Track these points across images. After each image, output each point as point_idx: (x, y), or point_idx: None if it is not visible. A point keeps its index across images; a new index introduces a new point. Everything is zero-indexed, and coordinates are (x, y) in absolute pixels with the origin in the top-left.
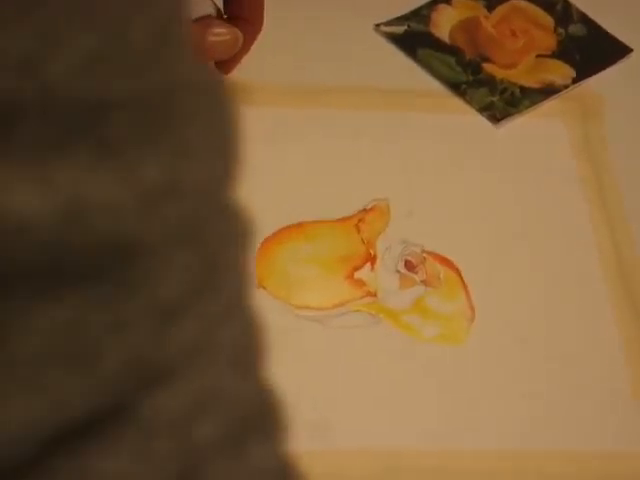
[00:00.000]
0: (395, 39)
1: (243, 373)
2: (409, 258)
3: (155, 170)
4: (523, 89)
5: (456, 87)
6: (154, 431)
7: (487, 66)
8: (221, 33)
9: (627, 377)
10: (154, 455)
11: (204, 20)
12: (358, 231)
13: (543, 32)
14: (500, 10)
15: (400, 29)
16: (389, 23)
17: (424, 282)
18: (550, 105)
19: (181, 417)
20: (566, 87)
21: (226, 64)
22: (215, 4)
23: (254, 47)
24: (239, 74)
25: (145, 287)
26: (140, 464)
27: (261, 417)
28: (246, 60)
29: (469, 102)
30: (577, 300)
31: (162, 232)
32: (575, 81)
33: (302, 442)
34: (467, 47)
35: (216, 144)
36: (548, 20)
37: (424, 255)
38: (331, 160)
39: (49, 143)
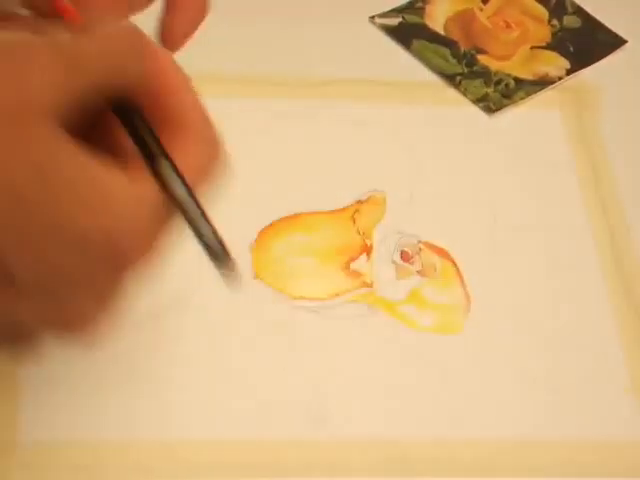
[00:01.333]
0: (390, 31)
1: None
2: (405, 249)
3: None
4: (518, 80)
5: (451, 79)
6: None
7: (482, 58)
8: None
9: (623, 364)
10: None
11: None
12: (354, 222)
13: (537, 24)
14: (494, 2)
15: (395, 21)
16: (384, 15)
17: (420, 272)
18: (545, 96)
19: None
20: (560, 78)
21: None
22: None
23: (251, 39)
24: (236, 66)
25: None
26: None
27: None
28: (242, 52)
29: (464, 93)
30: (573, 288)
31: None
32: (569, 72)
33: (300, 432)
34: (462, 39)
35: None
36: (542, 12)
37: (420, 246)
38: (327, 151)
39: None
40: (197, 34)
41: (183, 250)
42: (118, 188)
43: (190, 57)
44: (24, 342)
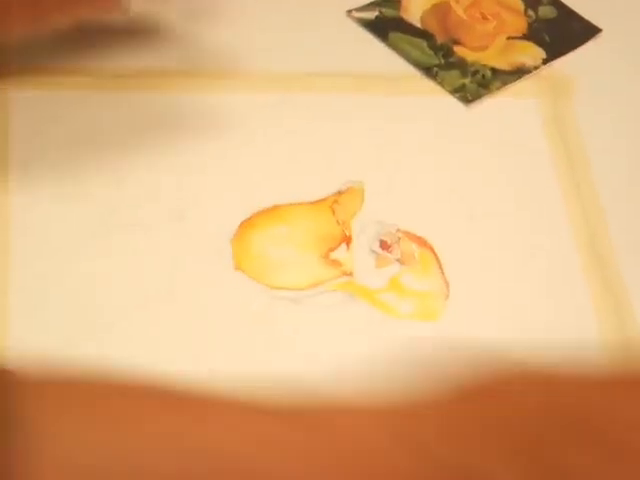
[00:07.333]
0: (367, 24)
1: None
2: (384, 238)
3: None
4: (494, 71)
5: (428, 70)
6: None
7: (458, 49)
8: None
9: (602, 349)
10: None
11: None
12: (333, 212)
13: (513, 14)
14: None
15: (372, 14)
16: (361, 9)
17: (399, 261)
18: (521, 86)
19: None
20: (536, 68)
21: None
22: None
23: (228, 34)
24: (214, 61)
25: None
26: None
27: None
28: (220, 47)
29: (441, 84)
30: (550, 274)
31: None
32: (545, 62)
33: None
34: (438, 31)
35: None
36: (518, 3)
37: (399, 234)
38: (305, 144)
39: None
40: (177, 31)
41: (163, 245)
42: None
43: (170, 54)
44: None
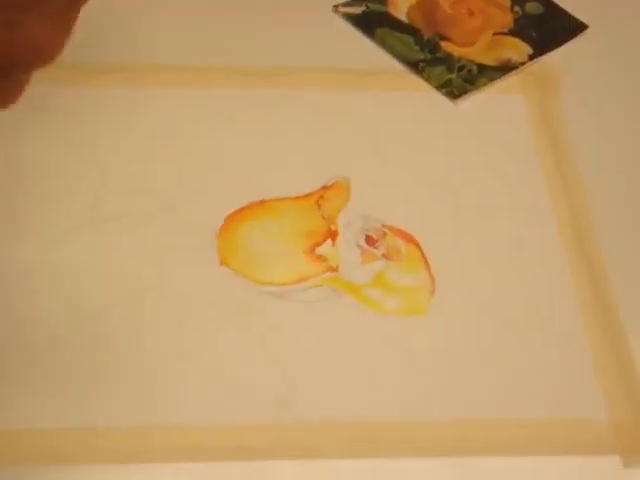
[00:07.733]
0: (353, 19)
1: None
2: (370, 233)
3: None
4: (480, 66)
5: (414, 65)
6: None
7: (445, 44)
8: None
9: (586, 344)
10: None
11: None
12: (319, 208)
13: (500, 10)
14: None
15: (358, 10)
16: (347, 4)
17: (385, 256)
18: (507, 81)
19: None
20: (523, 64)
21: None
22: None
23: (213, 29)
24: (199, 57)
25: None
26: None
27: None
28: (205, 42)
29: (427, 80)
30: (536, 268)
31: None
32: (531, 58)
33: (268, 415)
34: (425, 26)
35: None
36: None
37: (385, 230)
38: (292, 139)
39: None
40: (162, 26)
41: (149, 239)
42: None
43: (156, 49)
44: None
